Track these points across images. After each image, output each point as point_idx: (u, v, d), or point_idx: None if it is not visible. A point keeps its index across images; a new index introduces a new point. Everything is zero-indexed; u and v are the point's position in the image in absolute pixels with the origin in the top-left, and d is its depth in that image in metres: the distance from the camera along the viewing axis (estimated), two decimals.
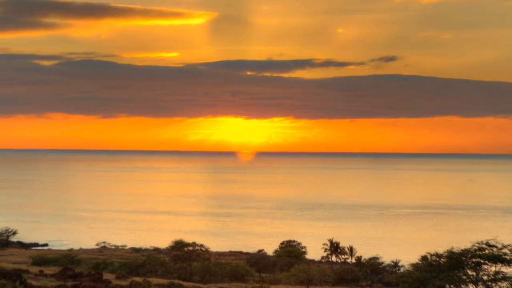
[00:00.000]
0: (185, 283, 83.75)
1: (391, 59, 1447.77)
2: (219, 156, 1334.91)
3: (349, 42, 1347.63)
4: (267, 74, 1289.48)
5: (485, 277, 53.34)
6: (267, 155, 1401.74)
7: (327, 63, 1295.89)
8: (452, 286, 53.83)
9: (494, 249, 53.55)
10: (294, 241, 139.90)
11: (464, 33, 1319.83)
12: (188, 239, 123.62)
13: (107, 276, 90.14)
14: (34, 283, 63.31)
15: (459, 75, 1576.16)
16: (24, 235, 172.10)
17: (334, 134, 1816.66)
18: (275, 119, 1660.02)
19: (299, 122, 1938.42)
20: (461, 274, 53.83)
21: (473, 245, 54.25)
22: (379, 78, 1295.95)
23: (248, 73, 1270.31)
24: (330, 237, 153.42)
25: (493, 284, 53.11)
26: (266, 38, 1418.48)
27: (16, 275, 59.72)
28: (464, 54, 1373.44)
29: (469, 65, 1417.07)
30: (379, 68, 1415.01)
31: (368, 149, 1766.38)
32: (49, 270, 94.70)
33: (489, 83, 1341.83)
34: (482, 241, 54.35)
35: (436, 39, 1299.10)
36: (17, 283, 44.67)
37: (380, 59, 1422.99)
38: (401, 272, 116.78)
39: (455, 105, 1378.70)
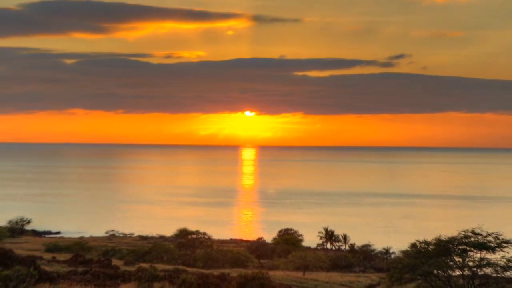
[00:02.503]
0: (189, 269, 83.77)
1: (398, 57, 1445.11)
2: (228, 150, 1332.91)
3: (357, 41, 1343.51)
4: (279, 71, 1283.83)
5: (470, 263, 53.37)
6: (275, 149, 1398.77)
7: (337, 62, 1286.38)
8: (439, 271, 53.92)
9: (479, 237, 53.59)
10: (291, 229, 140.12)
11: (468, 33, 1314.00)
12: (192, 227, 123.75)
13: (115, 262, 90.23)
14: (47, 268, 63.32)
15: (461, 73, 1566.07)
16: (38, 224, 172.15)
17: (341, 128, 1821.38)
18: (286, 114, 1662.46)
19: (308, 118, 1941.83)
20: (448, 260, 53.86)
21: (460, 233, 54.29)
22: (386, 76, 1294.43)
23: (260, 70, 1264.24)
24: (325, 226, 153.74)
25: (478, 270, 53.17)
26: (282, 37, 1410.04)
27: (30, 261, 59.74)
28: (467, 53, 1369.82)
29: (471, 63, 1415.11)
30: (387, 67, 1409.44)
31: (375, 143, 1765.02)
32: (61, 256, 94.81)
33: (489, 81, 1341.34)
34: (468, 229, 54.41)
35: (442, 39, 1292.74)
36: (31, 269, 44.70)
37: (388, 58, 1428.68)
38: (392, 259, 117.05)
39: (457, 102, 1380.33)
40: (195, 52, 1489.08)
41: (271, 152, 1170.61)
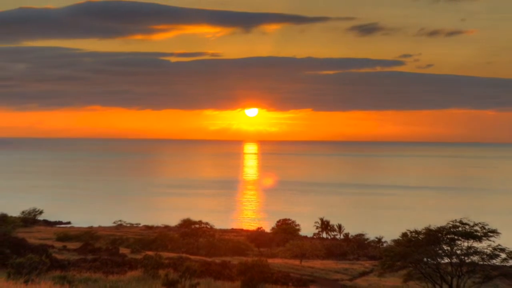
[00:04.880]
0: (192, 257, 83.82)
1: (405, 56, 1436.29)
2: (235, 144, 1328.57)
3: (366, 41, 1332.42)
4: (290, 70, 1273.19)
5: (458, 252, 53.52)
6: (282, 144, 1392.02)
7: (346, 61, 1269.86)
8: (429, 259, 54.05)
9: (467, 226, 53.73)
10: (289, 219, 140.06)
11: (471, 33, 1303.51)
12: (195, 217, 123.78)
13: (123, 250, 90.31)
14: (58, 256, 63.39)
15: (466, 72, 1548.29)
16: (50, 214, 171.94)
17: (348, 123, 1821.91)
18: (295, 111, 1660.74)
19: (317, 114, 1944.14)
20: (437, 248, 53.99)
21: (448, 223, 54.44)
22: (393, 74, 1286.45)
23: (272, 69, 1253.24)
24: (321, 216, 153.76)
25: (466, 258, 53.32)
26: (296, 37, 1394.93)
27: (42, 250, 59.79)
28: (471, 52, 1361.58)
29: (475, 63, 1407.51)
30: (394, 66, 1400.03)
31: (381, 139, 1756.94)
32: (72, 245, 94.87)
33: (492, 80, 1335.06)
34: (456, 220, 54.54)
35: (448, 38, 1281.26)
36: (43, 257, 44.77)
37: (396, 57, 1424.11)
38: (384, 247, 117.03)
39: (462, 99, 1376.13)
40: (212, 51, 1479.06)
41: (277, 147, 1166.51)
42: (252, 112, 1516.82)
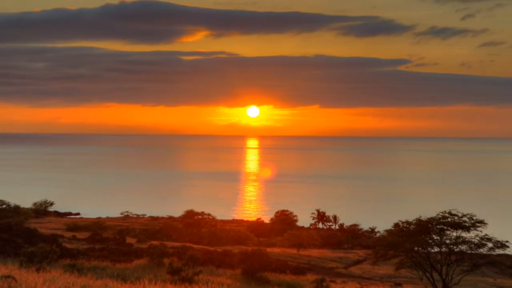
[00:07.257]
0: (195, 246, 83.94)
1: (410, 56, 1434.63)
2: (241, 139, 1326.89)
3: (372, 41, 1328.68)
4: (298, 69, 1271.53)
5: (447, 241, 53.55)
6: (287, 139, 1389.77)
7: (354, 60, 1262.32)
8: (420, 248, 54.09)
9: (456, 217, 53.76)
10: (287, 210, 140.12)
11: (479, 33, 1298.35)
12: (198, 208, 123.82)
13: (129, 240, 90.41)
14: (68, 246, 63.48)
15: (469, 71, 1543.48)
16: (60, 206, 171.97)
17: (353, 119, 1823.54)
18: (303, 107, 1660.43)
19: (324, 110, 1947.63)
20: (427, 238, 54.03)
21: (438, 214, 54.47)
22: (400, 72, 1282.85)
23: (281, 67, 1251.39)
24: (318, 207, 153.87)
25: (454, 247, 53.35)
26: (306, 37, 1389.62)
27: (53, 239, 59.88)
28: (476, 51, 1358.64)
29: (478, 62, 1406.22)
30: (400, 65, 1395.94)
31: (385, 134, 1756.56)
32: (81, 235, 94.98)
33: (492, 78, 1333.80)
34: (445, 211, 54.57)
35: (453, 37, 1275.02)
36: (54, 246, 44.80)
37: (402, 56, 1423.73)
38: (377, 237, 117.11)
39: (466, 97, 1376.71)
40: (230, 50, 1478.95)
41: (284, 141, 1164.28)
42: (261, 108, 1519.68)
